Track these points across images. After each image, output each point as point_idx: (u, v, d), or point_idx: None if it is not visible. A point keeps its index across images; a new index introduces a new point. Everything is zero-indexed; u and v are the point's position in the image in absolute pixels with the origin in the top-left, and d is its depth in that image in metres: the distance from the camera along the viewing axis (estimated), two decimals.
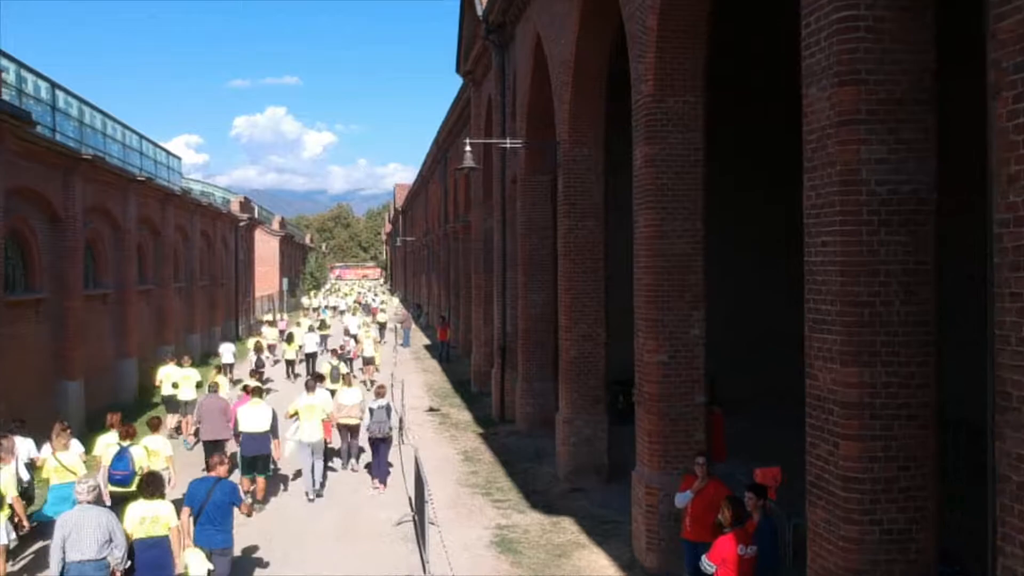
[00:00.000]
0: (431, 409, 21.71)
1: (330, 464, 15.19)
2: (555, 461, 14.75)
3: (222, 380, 16.44)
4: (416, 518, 11.92)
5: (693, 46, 9.54)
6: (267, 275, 55.39)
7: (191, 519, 8.56)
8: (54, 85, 21.70)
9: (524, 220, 17.84)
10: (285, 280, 58.83)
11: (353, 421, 14.86)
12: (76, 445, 11.21)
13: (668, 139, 9.64)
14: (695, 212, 9.69)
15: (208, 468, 9.38)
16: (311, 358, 27.50)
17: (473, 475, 14.87)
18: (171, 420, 18.27)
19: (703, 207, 9.73)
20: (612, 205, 14.50)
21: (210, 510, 8.54)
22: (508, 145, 14.92)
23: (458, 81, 26.71)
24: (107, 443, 11.09)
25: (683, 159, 9.66)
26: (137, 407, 20.75)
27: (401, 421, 18.10)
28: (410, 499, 13.25)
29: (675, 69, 9.59)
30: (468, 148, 14.09)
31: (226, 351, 25.39)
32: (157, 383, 19.25)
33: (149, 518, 8.09)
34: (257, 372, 19.25)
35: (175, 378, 18.24)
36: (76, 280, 18.97)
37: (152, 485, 8.35)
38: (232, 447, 14.20)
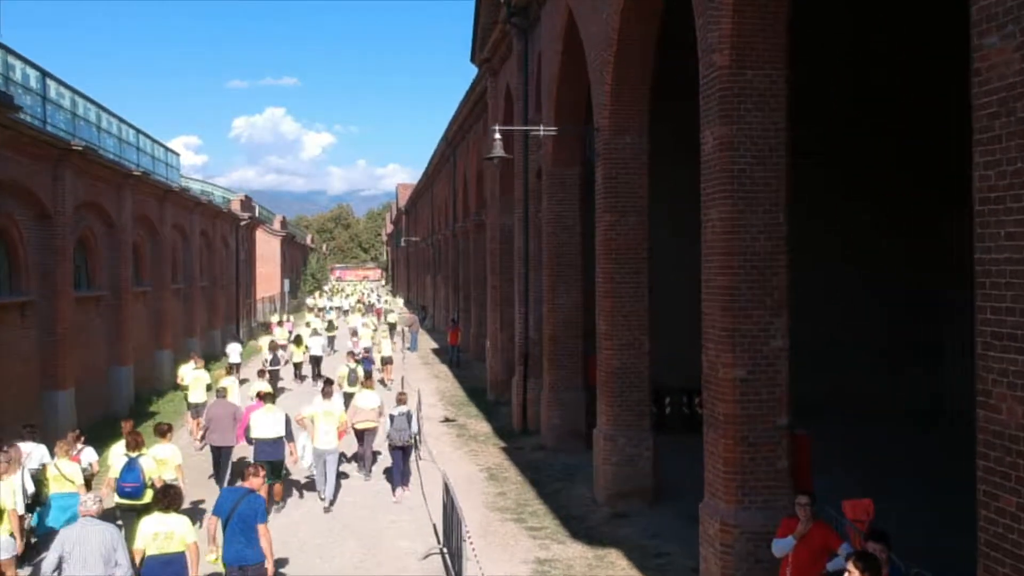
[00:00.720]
0: (446, 419, 20.34)
1: (342, 470, 14.52)
2: (590, 480, 13.45)
3: (230, 383, 16.49)
4: (445, 551, 10.57)
5: (776, 9, 8.20)
6: (268, 276, 53.99)
7: (219, 529, 8.09)
8: (44, 74, 20.27)
9: (550, 217, 16.48)
10: (286, 281, 57.40)
11: (370, 424, 14.54)
12: (89, 453, 11.03)
13: (747, 118, 8.28)
14: (778, 204, 8.33)
15: (242, 478, 8.67)
16: (317, 361, 27.16)
17: (501, 497, 13.50)
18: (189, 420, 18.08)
19: (786, 198, 8.38)
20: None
21: (235, 523, 8.02)
22: (542, 132, 13.50)
23: (461, 79, 25.60)
24: (117, 452, 10.58)
25: (764, 141, 8.31)
26: (133, 418, 19.33)
27: (419, 433, 16.82)
28: (435, 526, 11.89)
29: (755, 36, 8.24)
30: (497, 136, 12.71)
31: (233, 351, 25.30)
32: (179, 380, 19.40)
33: (163, 533, 7.59)
34: (267, 372, 19.58)
35: (187, 379, 18.41)
36: (66, 281, 17.56)
37: (168, 498, 7.85)
38: (239, 452, 14.21)
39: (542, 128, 13.51)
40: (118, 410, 20.34)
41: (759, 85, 8.30)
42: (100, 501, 7.84)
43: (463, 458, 16.36)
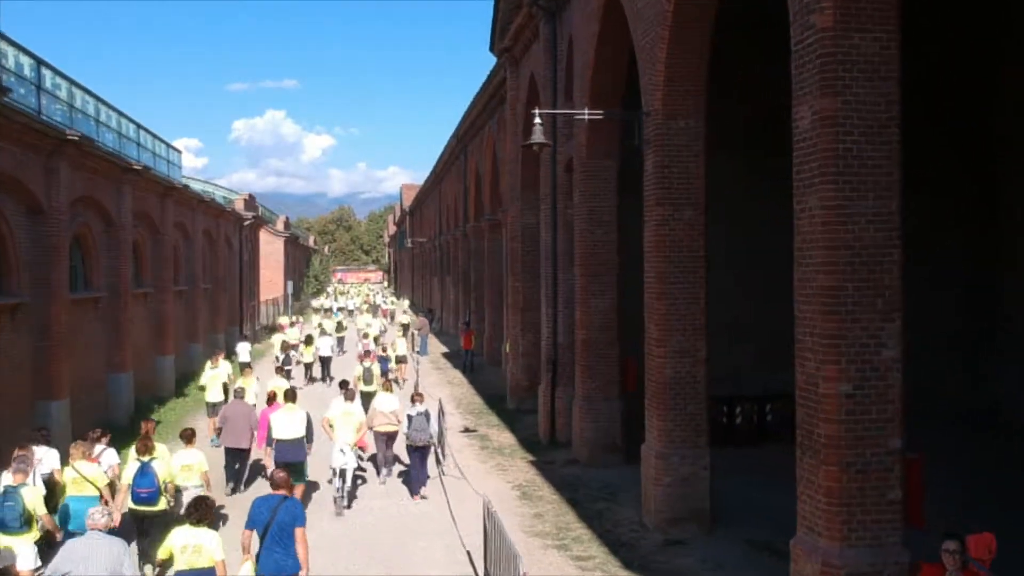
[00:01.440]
0: (467, 429, 19.10)
1: (358, 473, 14.28)
2: (634, 500, 12.27)
3: (249, 383, 16.12)
4: None
5: None
6: (272, 278, 52.72)
7: (254, 540, 7.76)
8: (39, 62, 18.99)
9: (584, 213, 15.29)
10: (290, 283, 56.14)
11: (392, 428, 14.26)
12: (109, 455, 10.77)
13: (853, 89, 7.07)
14: (890, 189, 7.12)
15: (273, 486, 8.15)
16: (326, 361, 26.91)
17: (538, 519, 12.25)
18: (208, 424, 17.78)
19: (901, 181, 7.17)
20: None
21: (275, 531, 7.70)
22: (587, 116, 12.27)
23: (465, 80, 24.52)
24: (131, 457, 10.29)
25: (874, 116, 7.10)
26: (133, 427, 18.13)
27: (442, 442, 15.67)
28: (469, 555, 10.67)
29: None
30: (537, 120, 11.48)
31: (242, 350, 25.04)
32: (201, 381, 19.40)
33: (192, 547, 7.35)
34: (283, 369, 19.17)
35: (204, 379, 18.35)
36: (61, 282, 16.30)
37: (199, 511, 7.54)
38: (255, 454, 14.13)
39: (587, 112, 12.25)
40: (117, 419, 19.10)
41: (867, 50, 7.09)
42: (109, 515, 7.58)
43: (490, 473, 15.12)
